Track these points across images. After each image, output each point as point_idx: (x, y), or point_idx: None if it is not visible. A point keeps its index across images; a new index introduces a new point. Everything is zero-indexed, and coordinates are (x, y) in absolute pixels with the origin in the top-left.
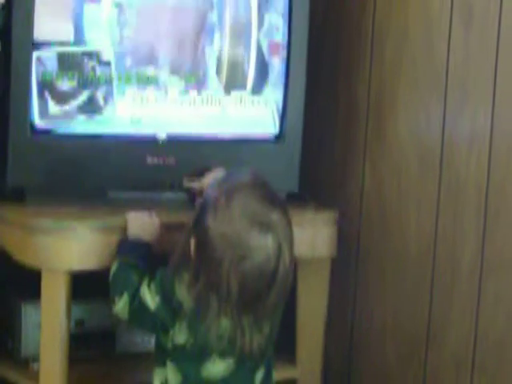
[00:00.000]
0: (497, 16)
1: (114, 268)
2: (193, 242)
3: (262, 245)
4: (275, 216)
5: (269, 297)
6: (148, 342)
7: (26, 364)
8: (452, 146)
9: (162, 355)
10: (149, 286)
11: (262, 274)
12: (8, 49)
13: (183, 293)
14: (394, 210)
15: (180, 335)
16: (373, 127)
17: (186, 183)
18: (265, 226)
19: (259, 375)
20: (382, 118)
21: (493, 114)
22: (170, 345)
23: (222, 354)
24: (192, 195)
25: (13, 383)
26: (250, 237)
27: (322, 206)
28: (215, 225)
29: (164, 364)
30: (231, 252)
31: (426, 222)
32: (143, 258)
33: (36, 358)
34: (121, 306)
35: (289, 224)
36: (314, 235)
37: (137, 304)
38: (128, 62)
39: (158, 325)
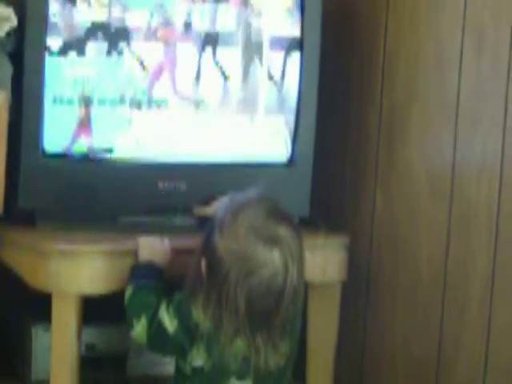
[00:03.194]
0: (508, 42)
1: (128, 292)
2: (203, 262)
3: (268, 260)
4: (281, 231)
5: (278, 313)
6: (159, 367)
7: None
8: (463, 172)
9: (181, 379)
10: (167, 309)
11: (269, 290)
12: (20, 73)
13: (199, 315)
14: (405, 235)
15: (198, 358)
16: (384, 152)
17: (196, 211)
18: (270, 241)
19: None
20: (392, 143)
21: (503, 140)
22: (188, 368)
23: (241, 376)
24: (201, 222)
25: None
26: (255, 252)
27: (333, 230)
28: (222, 242)
29: None
30: (238, 268)
31: (437, 247)
32: (158, 282)
33: (46, 382)
34: (139, 330)
35: (297, 239)
36: (324, 260)
37: (155, 327)
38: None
39: (178, 348)
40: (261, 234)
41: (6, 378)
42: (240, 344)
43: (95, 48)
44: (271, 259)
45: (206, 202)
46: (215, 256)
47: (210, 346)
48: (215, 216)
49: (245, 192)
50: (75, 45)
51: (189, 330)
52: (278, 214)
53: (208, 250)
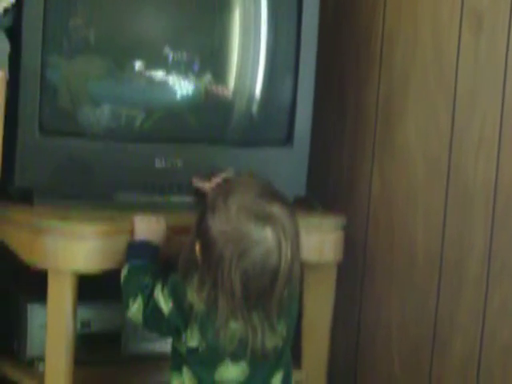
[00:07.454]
0: (506, 23)
1: (125, 271)
2: (197, 244)
3: (261, 238)
4: (274, 209)
5: (274, 292)
6: (154, 344)
7: (32, 364)
8: (460, 152)
9: (177, 360)
10: (162, 289)
11: (263, 270)
12: (18, 48)
13: (193, 296)
14: (402, 215)
15: (192, 339)
16: (381, 132)
17: (196, 183)
18: (262, 219)
19: (277, 380)
20: (390, 123)
21: (501, 121)
22: (183, 349)
23: (235, 358)
24: (200, 196)
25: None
26: (248, 231)
27: (329, 210)
28: (214, 224)
29: (180, 369)
30: (231, 249)
31: (434, 227)
32: (154, 261)
33: (41, 359)
34: (135, 309)
35: (291, 217)
36: (320, 240)
37: (151, 308)
38: (136, 65)
39: (173, 329)
40: (252, 213)
41: (1, 354)
42: (236, 326)
43: None
44: (264, 237)
45: (207, 178)
46: (208, 238)
47: (204, 327)
48: (207, 198)
49: (239, 174)
50: None
51: (183, 311)
52: (269, 193)
53: (201, 232)
